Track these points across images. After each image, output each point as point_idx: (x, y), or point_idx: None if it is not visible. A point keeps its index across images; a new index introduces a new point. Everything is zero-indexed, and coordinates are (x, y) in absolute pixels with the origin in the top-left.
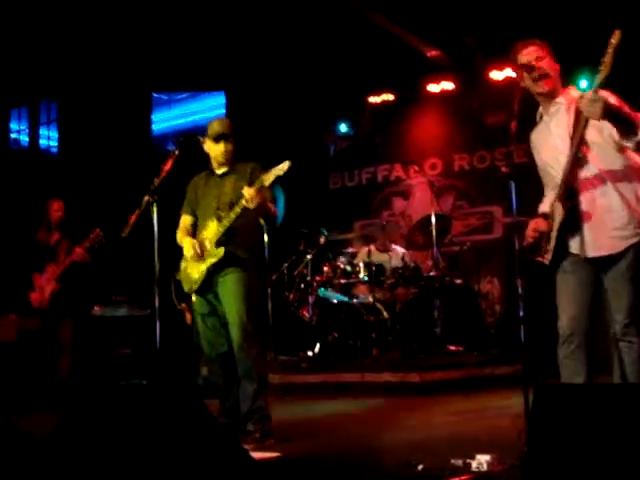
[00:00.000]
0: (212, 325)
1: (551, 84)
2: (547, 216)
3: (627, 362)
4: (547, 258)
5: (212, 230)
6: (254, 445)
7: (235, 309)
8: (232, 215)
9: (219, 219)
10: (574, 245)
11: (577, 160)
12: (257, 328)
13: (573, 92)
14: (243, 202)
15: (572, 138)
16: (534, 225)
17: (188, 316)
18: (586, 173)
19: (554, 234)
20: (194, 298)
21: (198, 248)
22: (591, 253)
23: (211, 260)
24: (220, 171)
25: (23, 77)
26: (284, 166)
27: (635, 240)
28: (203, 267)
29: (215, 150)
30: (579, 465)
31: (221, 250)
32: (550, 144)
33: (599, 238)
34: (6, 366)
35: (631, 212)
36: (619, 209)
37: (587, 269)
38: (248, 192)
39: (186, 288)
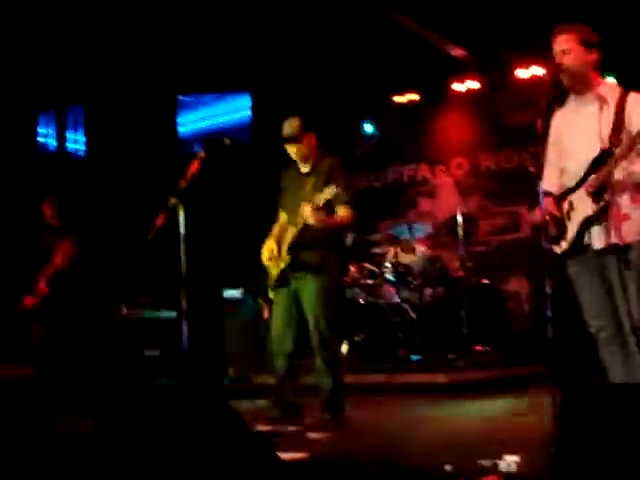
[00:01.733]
0: (284, 322)
1: (573, 79)
2: (556, 199)
3: None
4: (562, 247)
5: (290, 234)
6: (328, 433)
7: (313, 313)
8: (298, 227)
9: (295, 224)
10: (596, 240)
11: (616, 160)
12: (334, 329)
13: (612, 86)
14: (302, 220)
15: (613, 138)
16: (548, 206)
17: (266, 311)
18: (619, 174)
19: (575, 226)
20: (272, 294)
21: (274, 252)
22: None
23: (282, 265)
24: (303, 170)
25: (50, 82)
26: (332, 190)
27: None
28: (279, 268)
29: (290, 151)
30: (608, 467)
31: (288, 257)
32: (577, 132)
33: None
34: None
35: None
36: None
37: (602, 264)
38: (306, 211)
39: (268, 282)
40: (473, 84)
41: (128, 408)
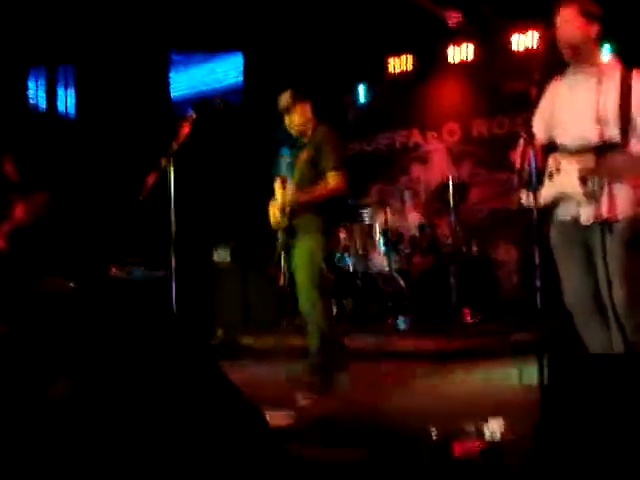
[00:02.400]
0: (295, 287)
1: (571, 52)
2: (543, 149)
3: None
4: (530, 201)
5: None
6: (313, 395)
7: (298, 276)
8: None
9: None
10: (584, 214)
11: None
12: (321, 291)
13: (612, 62)
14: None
15: (622, 121)
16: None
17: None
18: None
19: (552, 192)
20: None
21: (277, 218)
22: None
23: (282, 226)
24: (303, 140)
25: (41, 40)
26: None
27: None
28: (281, 231)
29: (287, 124)
30: (592, 436)
31: (285, 220)
32: (574, 104)
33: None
34: None
35: None
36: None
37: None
38: (290, 193)
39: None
40: (468, 51)
41: (110, 368)
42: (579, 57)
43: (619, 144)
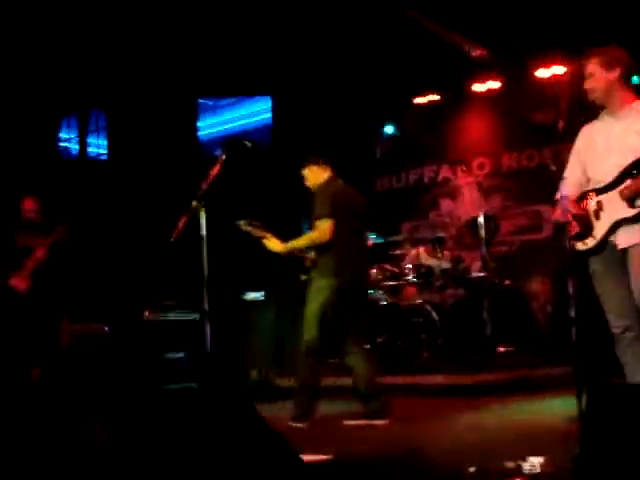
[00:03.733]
0: None
1: (599, 99)
2: (575, 199)
3: None
4: (587, 245)
5: None
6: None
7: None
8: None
9: None
10: (622, 239)
11: None
12: (314, 325)
13: None
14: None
15: None
16: (571, 206)
17: None
18: None
19: (606, 226)
20: None
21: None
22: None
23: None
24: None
25: (72, 87)
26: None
27: None
28: None
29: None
30: (631, 467)
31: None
32: (608, 142)
33: None
34: None
35: None
36: None
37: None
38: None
39: None
40: (494, 84)
41: (144, 415)
42: (607, 103)
43: None
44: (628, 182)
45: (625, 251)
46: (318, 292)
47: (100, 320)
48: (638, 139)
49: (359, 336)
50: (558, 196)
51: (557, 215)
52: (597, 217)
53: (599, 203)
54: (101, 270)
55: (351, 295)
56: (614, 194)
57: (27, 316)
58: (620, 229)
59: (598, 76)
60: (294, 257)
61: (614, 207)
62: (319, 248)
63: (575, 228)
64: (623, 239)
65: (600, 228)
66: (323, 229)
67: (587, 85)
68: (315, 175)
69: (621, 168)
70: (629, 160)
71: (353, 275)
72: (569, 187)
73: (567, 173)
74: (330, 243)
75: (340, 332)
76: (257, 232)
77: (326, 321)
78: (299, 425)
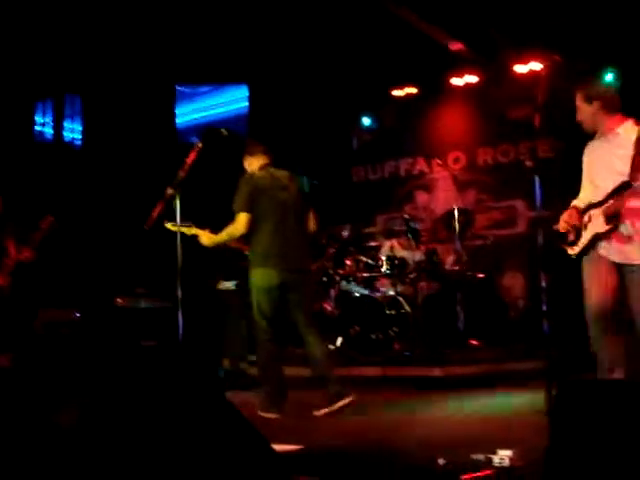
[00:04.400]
0: None
1: (588, 127)
2: (580, 211)
3: None
4: (574, 251)
5: None
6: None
7: None
8: None
9: None
10: (604, 252)
11: (633, 190)
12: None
13: (630, 125)
14: None
15: (632, 170)
16: (568, 217)
17: None
18: (635, 203)
19: (588, 236)
20: None
21: None
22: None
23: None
24: None
25: (47, 71)
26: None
27: None
28: None
29: None
30: (601, 462)
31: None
32: (606, 161)
33: (630, 257)
34: None
35: None
36: None
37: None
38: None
39: None
40: (471, 78)
41: (117, 398)
42: (596, 129)
43: (630, 184)
44: (610, 202)
45: (621, 266)
46: (251, 283)
47: (72, 306)
48: (622, 163)
49: (308, 320)
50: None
51: (558, 225)
52: (585, 228)
53: (590, 216)
54: (74, 256)
55: (284, 281)
56: (599, 210)
57: (2, 304)
58: (603, 244)
59: (583, 108)
60: (232, 248)
61: (597, 222)
62: (247, 240)
63: (570, 236)
64: (617, 256)
65: (584, 238)
66: (239, 222)
67: (577, 114)
68: (247, 164)
69: (609, 189)
70: (616, 182)
71: (283, 262)
72: (579, 199)
73: (582, 186)
74: (251, 235)
75: (288, 319)
76: (187, 231)
77: (268, 309)
78: (269, 415)
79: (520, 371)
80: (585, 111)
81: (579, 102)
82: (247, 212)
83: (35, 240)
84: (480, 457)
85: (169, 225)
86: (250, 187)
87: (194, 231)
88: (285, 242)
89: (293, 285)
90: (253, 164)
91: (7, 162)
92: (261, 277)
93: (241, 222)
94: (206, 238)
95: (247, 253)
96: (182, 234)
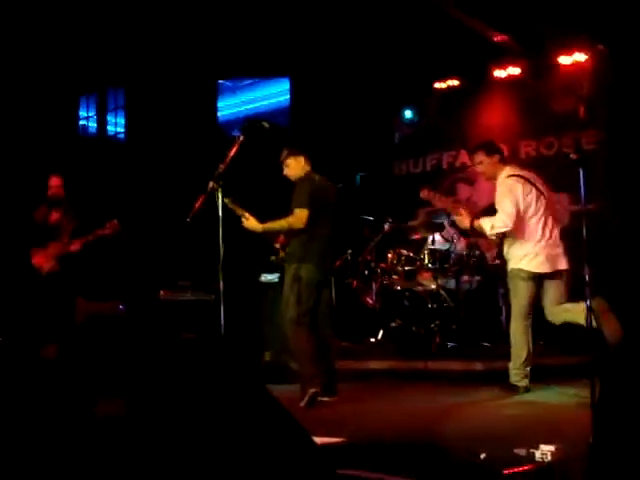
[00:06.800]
0: None
1: (487, 177)
2: None
3: None
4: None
5: None
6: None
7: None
8: None
9: None
10: None
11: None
12: (290, 308)
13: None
14: None
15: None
16: None
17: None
18: None
19: None
20: None
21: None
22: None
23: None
24: None
25: (91, 65)
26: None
27: None
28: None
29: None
30: None
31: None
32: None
33: None
34: None
35: None
36: None
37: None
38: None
39: None
40: (514, 70)
41: (159, 391)
42: (494, 176)
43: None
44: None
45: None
46: (288, 276)
47: (116, 299)
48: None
49: (324, 319)
50: None
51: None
52: None
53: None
54: (118, 249)
55: (324, 279)
56: None
57: (45, 295)
58: None
59: (486, 162)
60: (265, 239)
61: None
62: (290, 234)
63: None
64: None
65: None
66: (300, 217)
67: (479, 169)
68: (299, 166)
69: None
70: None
71: (326, 262)
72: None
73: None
74: (302, 231)
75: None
76: (239, 210)
77: (312, 302)
78: (312, 391)
79: (564, 365)
80: (487, 165)
81: (480, 158)
82: (308, 209)
83: (92, 236)
84: (522, 452)
85: (227, 200)
86: (310, 187)
87: (244, 212)
88: (327, 245)
89: (326, 284)
90: (303, 167)
91: (52, 156)
92: (313, 272)
93: (302, 217)
94: (253, 223)
95: (277, 246)
96: (227, 221)
